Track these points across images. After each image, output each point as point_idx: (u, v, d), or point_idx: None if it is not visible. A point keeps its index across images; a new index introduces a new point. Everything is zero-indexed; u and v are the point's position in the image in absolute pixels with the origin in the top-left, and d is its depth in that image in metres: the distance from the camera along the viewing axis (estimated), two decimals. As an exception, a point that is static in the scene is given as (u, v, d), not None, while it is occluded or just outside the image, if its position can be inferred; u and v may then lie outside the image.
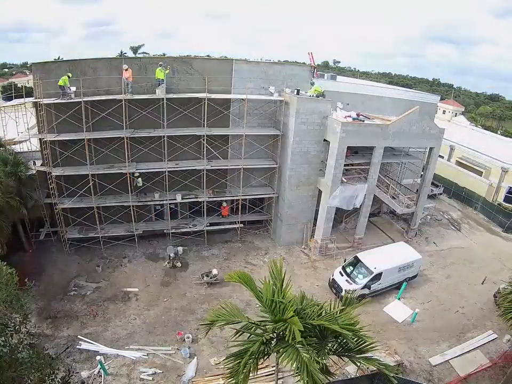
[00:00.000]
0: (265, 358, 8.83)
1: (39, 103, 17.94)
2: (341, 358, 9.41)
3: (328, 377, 8.92)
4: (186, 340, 15.37)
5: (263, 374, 13.70)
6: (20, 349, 8.74)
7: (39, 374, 8.89)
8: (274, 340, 8.84)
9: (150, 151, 20.44)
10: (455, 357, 15.39)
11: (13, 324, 8.85)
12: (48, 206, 20.62)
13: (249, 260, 21.57)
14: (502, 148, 33.97)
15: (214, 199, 22.31)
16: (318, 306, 9.23)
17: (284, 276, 9.53)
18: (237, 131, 21.42)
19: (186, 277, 19.69)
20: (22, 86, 24.32)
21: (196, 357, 14.60)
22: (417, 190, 25.46)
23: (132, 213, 20.49)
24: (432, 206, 28.44)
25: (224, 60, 23.92)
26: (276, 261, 10.08)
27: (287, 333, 7.73)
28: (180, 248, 20.69)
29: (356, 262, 19.14)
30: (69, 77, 17.92)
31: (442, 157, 34.77)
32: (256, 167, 22.51)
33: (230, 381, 8.44)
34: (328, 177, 20.90)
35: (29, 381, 8.75)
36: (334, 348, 9.17)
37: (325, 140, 20.88)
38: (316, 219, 22.91)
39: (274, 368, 12.66)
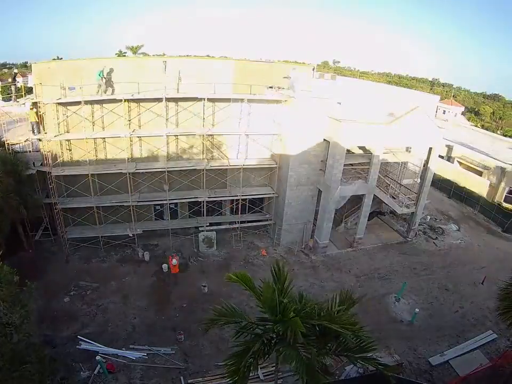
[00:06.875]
0: (265, 357, 8.84)
1: (39, 103, 17.94)
2: (340, 358, 9.42)
3: (328, 377, 8.93)
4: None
5: (263, 374, 13.70)
6: (20, 348, 8.75)
7: (39, 375, 8.90)
8: (274, 339, 8.85)
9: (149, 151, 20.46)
10: (455, 357, 15.38)
11: (14, 324, 8.85)
12: (48, 206, 20.61)
13: (249, 259, 21.58)
14: (502, 148, 33.98)
15: (214, 199, 22.31)
16: (318, 306, 9.23)
17: (286, 276, 9.54)
18: (236, 131, 21.41)
19: (186, 277, 19.70)
20: (22, 86, 24.37)
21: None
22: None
23: (132, 213, 20.51)
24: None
25: (224, 60, 23.88)
26: (279, 261, 10.11)
27: (288, 334, 7.73)
28: None
29: None
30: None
31: (442, 157, 34.75)
32: (256, 167, 22.52)
33: (230, 380, 8.44)
34: (328, 177, 20.91)
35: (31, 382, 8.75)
36: (334, 347, 9.18)
37: (325, 140, 20.89)
38: (315, 219, 22.91)
39: (274, 367, 12.68)
